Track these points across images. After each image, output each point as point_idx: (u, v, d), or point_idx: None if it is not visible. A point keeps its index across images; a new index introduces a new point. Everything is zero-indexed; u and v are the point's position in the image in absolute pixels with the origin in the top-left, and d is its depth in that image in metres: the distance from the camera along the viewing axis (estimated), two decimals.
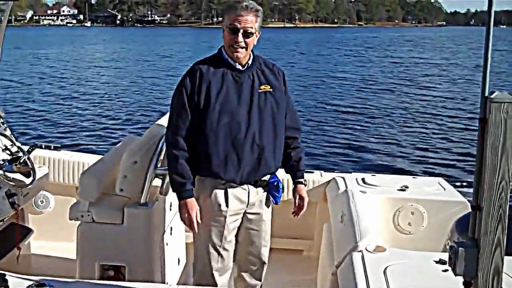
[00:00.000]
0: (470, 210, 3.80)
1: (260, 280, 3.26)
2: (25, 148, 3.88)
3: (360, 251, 2.85)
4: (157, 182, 3.31)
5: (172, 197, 3.55)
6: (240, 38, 2.83)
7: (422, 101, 20.29)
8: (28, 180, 3.77)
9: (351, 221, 3.20)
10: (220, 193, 2.95)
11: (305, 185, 3.21)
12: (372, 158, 11.96)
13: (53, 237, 4.41)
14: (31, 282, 2.37)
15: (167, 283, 3.34)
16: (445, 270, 2.59)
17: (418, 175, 4.62)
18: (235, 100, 2.87)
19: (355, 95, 21.68)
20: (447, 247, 3.48)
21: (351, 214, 3.30)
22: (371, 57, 43.27)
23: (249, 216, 3.07)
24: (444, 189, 3.97)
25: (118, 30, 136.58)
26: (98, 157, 4.49)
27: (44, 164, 4.38)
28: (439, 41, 74.27)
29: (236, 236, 3.11)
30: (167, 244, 3.46)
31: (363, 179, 4.07)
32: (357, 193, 3.73)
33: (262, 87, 2.94)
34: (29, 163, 3.75)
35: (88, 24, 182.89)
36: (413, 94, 22.13)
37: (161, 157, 3.26)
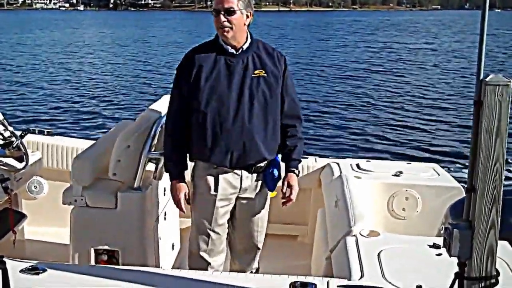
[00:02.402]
0: (464, 195, 3.83)
1: (252, 266, 3.26)
2: (18, 133, 3.86)
3: (354, 235, 2.86)
4: (151, 166, 3.29)
5: (165, 182, 3.54)
6: (222, 18, 2.85)
7: (416, 85, 20.28)
8: (20, 165, 3.76)
9: (346, 206, 3.21)
10: (210, 177, 2.98)
11: (297, 175, 3.13)
12: (367, 144, 11.97)
13: (47, 222, 4.40)
14: (24, 266, 2.37)
15: (161, 268, 3.34)
16: (439, 254, 2.61)
17: (412, 160, 4.62)
18: (225, 84, 2.89)
19: (349, 80, 21.63)
20: (442, 232, 3.50)
21: (346, 199, 3.31)
22: (365, 41, 43.12)
23: (242, 201, 3.08)
24: (439, 175, 3.98)
25: (111, 14, 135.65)
26: (92, 142, 4.48)
27: (37, 149, 4.36)
28: (433, 24, 74.05)
29: (231, 221, 3.13)
30: (161, 228, 3.45)
31: (357, 165, 4.07)
32: (352, 178, 3.73)
33: (257, 72, 2.93)
34: (21, 148, 3.74)
35: (81, 7, 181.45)
36: (407, 79, 22.11)
37: (155, 142, 3.24)
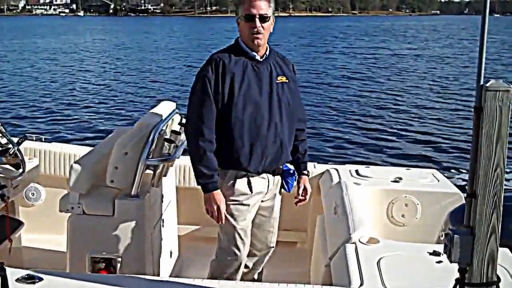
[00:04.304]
0: (463, 201, 3.81)
1: (262, 265, 3.35)
2: (15, 139, 3.84)
3: (353, 242, 2.84)
4: (149, 173, 3.26)
5: (163, 189, 3.52)
6: (258, 23, 2.86)
7: (415, 91, 20.26)
8: (17, 172, 3.73)
9: (345, 212, 3.19)
10: (243, 182, 3.00)
11: (308, 176, 3.29)
12: (366, 150, 11.93)
13: (44, 230, 4.37)
14: (20, 275, 2.34)
15: (159, 276, 3.31)
16: (439, 262, 2.59)
17: (411, 166, 4.60)
18: (257, 91, 2.90)
19: (348, 86, 21.60)
20: (441, 238, 3.48)
21: (345, 206, 3.29)
22: (365, 46, 43.18)
23: (262, 204, 3.15)
24: (438, 181, 3.96)
25: (111, 20, 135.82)
26: (89, 148, 4.45)
27: (34, 156, 4.34)
28: (433, 30, 74.22)
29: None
30: (159, 236, 3.42)
31: (356, 171, 4.05)
32: (351, 184, 3.71)
33: (279, 78, 2.99)
34: (18, 155, 3.71)
35: (81, 13, 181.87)
36: (407, 84, 22.11)
37: (152, 148, 3.22)
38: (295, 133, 3.15)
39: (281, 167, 3.13)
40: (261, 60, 2.95)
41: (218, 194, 2.93)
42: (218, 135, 2.90)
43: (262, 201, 3.13)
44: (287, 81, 3.01)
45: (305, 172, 3.24)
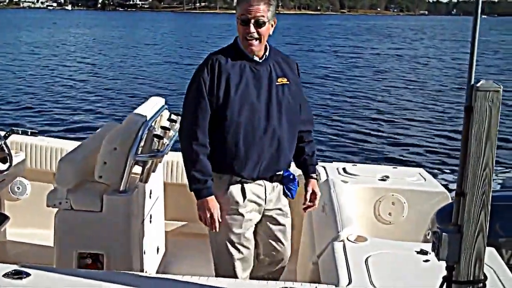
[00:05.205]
0: (450, 200, 3.84)
1: (276, 277, 3.09)
2: (2, 133, 3.80)
3: (341, 241, 2.84)
4: (137, 169, 3.25)
5: (151, 185, 3.50)
6: (252, 28, 2.72)
7: (401, 91, 20.36)
8: (4, 166, 3.70)
9: (333, 211, 3.19)
10: (236, 189, 2.85)
11: (317, 180, 3.09)
12: (352, 148, 11.98)
13: (30, 224, 4.33)
14: (7, 270, 2.32)
15: (145, 272, 3.30)
16: (426, 261, 2.61)
17: (398, 165, 4.63)
18: (255, 93, 2.77)
19: (336, 83, 21.69)
20: (428, 237, 3.51)
21: (333, 204, 3.29)
22: (353, 45, 43.31)
23: (269, 212, 2.98)
24: (425, 179, 3.99)
25: (99, 14, 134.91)
26: (76, 143, 4.41)
27: (21, 150, 4.30)
28: (422, 30, 74.62)
29: (256, 234, 3.00)
30: (146, 232, 3.41)
31: (344, 169, 4.06)
32: (338, 182, 3.71)
33: (279, 79, 2.85)
34: (5, 149, 3.68)
35: (69, 7, 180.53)
36: (394, 83, 22.23)
37: (141, 144, 3.20)
38: (301, 135, 3.01)
39: (280, 173, 2.94)
40: (260, 61, 2.82)
41: (211, 200, 2.79)
42: (213, 137, 2.78)
43: (267, 209, 2.95)
44: (288, 82, 2.86)
45: (313, 175, 3.05)
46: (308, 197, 3.01)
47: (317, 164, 3.11)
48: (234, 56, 2.80)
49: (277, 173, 2.93)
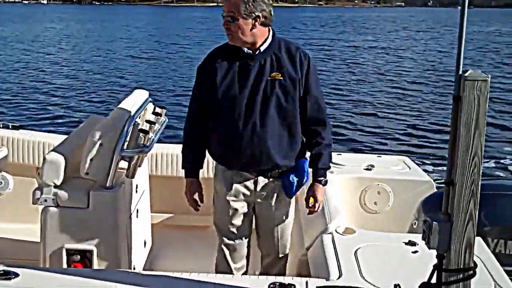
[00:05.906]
0: (435, 189, 3.87)
1: (273, 272, 3.11)
2: None
3: (330, 233, 2.86)
4: (124, 164, 3.23)
5: (138, 179, 3.48)
6: (224, 24, 2.80)
7: (385, 81, 20.51)
8: None
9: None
10: (226, 178, 2.98)
11: (324, 185, 2.96)
12: (336, 136, 12.05)
13: (13, 219, 4.27)
14: None
15: (133, 268, 3.29)
16: (415, 252, 2.64)
17: (382, 153, 4.67)
18: (238, 87, 2.80)
19: (319, 73, 21.71)
20: (414, 227, 3.54)
21: None
22: (334, 37, 43.41)
23: (260, 206, 3.03)
24: (409, 168, 4.02)
25: (75, 8, 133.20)
26: (58, 136, 4.36)
27: (2, 145, 4.23)
28: (393, 21, 75.12)
29: (255, 227, 3.13)
30: (133, 227, 3.39)
31: None
32: None
33: (273, 74, 2.79)
34: None
35: (44, 1, 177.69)
36: (379, 73, 22.41)
37: (128, 139, 3.18)
38: (308, 136, 2.94)
39: (278, 170, 2.90)
40: (254, 54, 2.81)
41: (191, 182, 3.05)
42: (208, 126, 2.94)
43: (258, 202, 2.99)
44: (281, 78, 2.79)
45: (319, 179, 2.93)
46: (309, 203, 2.96)
47: (328, 168, 2.98)
48: (229, 51, 2.87)
49: (273, 170, 2.92)
